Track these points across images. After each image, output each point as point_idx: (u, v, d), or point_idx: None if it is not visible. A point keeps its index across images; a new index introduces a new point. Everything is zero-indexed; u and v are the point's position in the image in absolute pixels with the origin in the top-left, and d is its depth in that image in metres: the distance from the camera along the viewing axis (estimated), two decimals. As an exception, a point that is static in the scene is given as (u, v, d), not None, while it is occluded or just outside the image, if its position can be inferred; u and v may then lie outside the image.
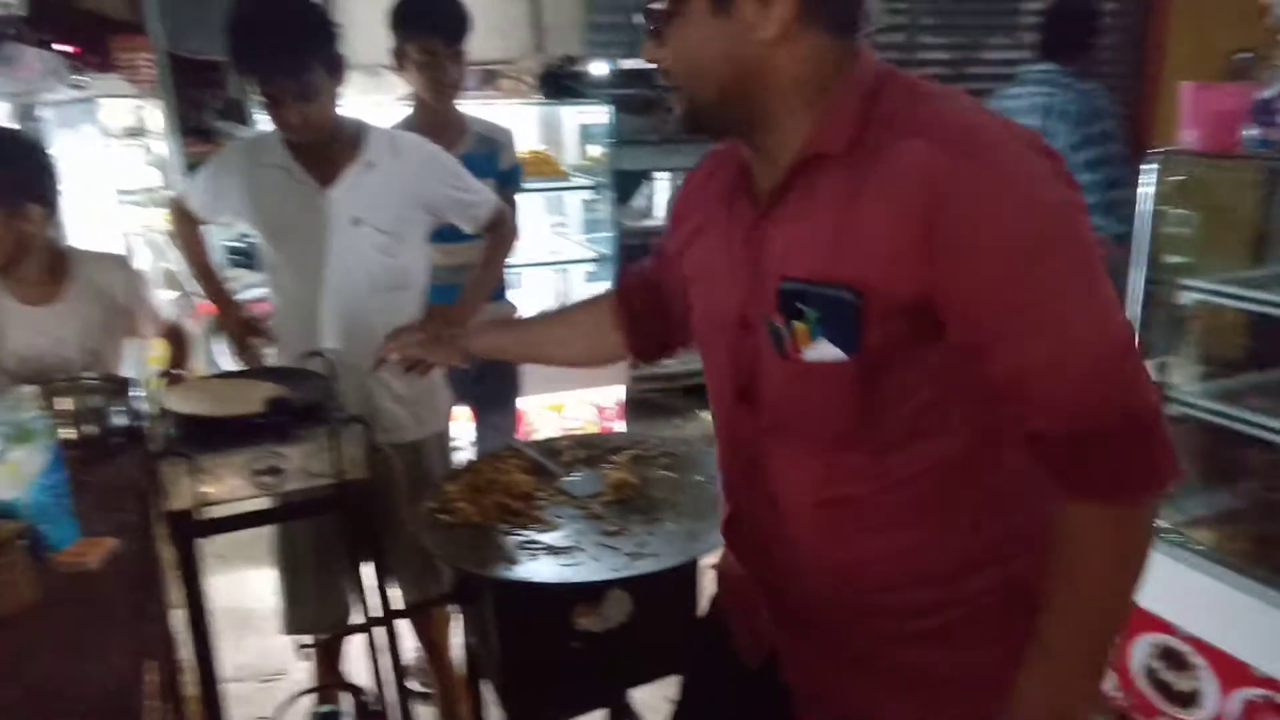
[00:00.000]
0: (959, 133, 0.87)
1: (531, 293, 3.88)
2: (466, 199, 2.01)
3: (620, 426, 3.76)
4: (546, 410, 3.49)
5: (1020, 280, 0.85)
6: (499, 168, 2.36)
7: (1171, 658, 2.15)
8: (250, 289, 4.39)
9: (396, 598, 1.91)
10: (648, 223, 4.25)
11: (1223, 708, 2.04)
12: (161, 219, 4.57)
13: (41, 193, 1.85)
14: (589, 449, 1.77)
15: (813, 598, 1.11)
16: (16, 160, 1.83)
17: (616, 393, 3.74)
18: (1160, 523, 2.14)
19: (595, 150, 4.08)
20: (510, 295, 2.76)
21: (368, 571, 1.64)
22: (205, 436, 1.47)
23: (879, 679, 1.10)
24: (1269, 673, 1.95)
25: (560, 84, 3.79)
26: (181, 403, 1.57)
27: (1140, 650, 2.20)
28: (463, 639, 1.81)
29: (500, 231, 2.10)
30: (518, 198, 2.53)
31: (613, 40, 4.19)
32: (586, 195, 4.14)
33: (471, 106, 2.61)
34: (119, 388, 1.80)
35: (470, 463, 1.85)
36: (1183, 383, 2.22)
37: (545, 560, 1.47)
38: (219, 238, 3.41)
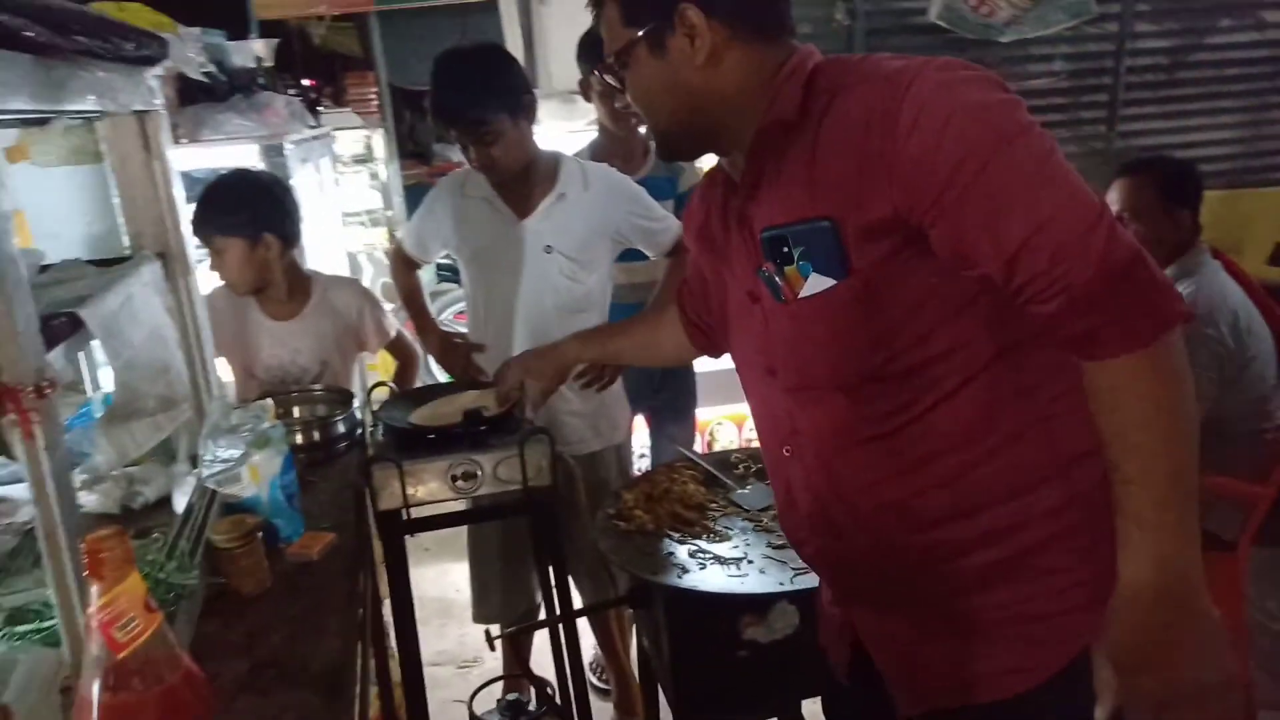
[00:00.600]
0: (890, 72, 0.96)
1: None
2: (651, 226, 2.11)
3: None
4: (726, 421, 3.54)
5: (977, 179, 0.88)
6: (679, 190, 2.44)
7: None
8: (456, 304, 4.75)
9: (578, 599, 2.03)
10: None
11: None
12: (382, 238, 5.02)
13: (278, 225, 2.10)
14: (761, 462, 1.81)
15: (877, 553, 1.11)
16: (254, 198, 2.09)
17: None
18: None
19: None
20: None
21: (551, 572, 1.75)
22: (411, 444, 1.62)
23: (961, 634, 1.08)
24: None
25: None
26: (391, 413, 1.75)
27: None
28: (637, 640, 1.90)
29: (681, 256, 2.16)
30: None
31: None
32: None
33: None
34: (343, 399, 2.03)
35: (647, 472, 1.93)
36: None
37: (714, 570, 1.53)
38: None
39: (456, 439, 1.62)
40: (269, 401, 1.58)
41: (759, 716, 1.68)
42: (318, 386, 2.16)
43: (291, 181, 2.63)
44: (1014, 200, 0.87)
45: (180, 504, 1.48)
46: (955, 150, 0.89)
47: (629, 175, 2.18)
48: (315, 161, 3.55)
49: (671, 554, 1.59)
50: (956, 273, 0.95)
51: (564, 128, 3.24)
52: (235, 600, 1.33)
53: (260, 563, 1.36)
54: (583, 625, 2.04)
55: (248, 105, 2.79)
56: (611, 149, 2.39)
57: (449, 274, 4.79)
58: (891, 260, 0.97)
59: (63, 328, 1.00)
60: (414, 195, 5.33)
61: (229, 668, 1.16)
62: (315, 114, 3.74)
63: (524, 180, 2.01)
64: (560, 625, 1.74)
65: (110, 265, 1.33)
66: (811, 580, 1.41)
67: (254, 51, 3.07)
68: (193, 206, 1.96)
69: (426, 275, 2.71)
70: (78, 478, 1.48)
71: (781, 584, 1.47)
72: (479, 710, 1.85)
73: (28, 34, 0.85)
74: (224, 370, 2.11)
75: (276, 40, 3.39)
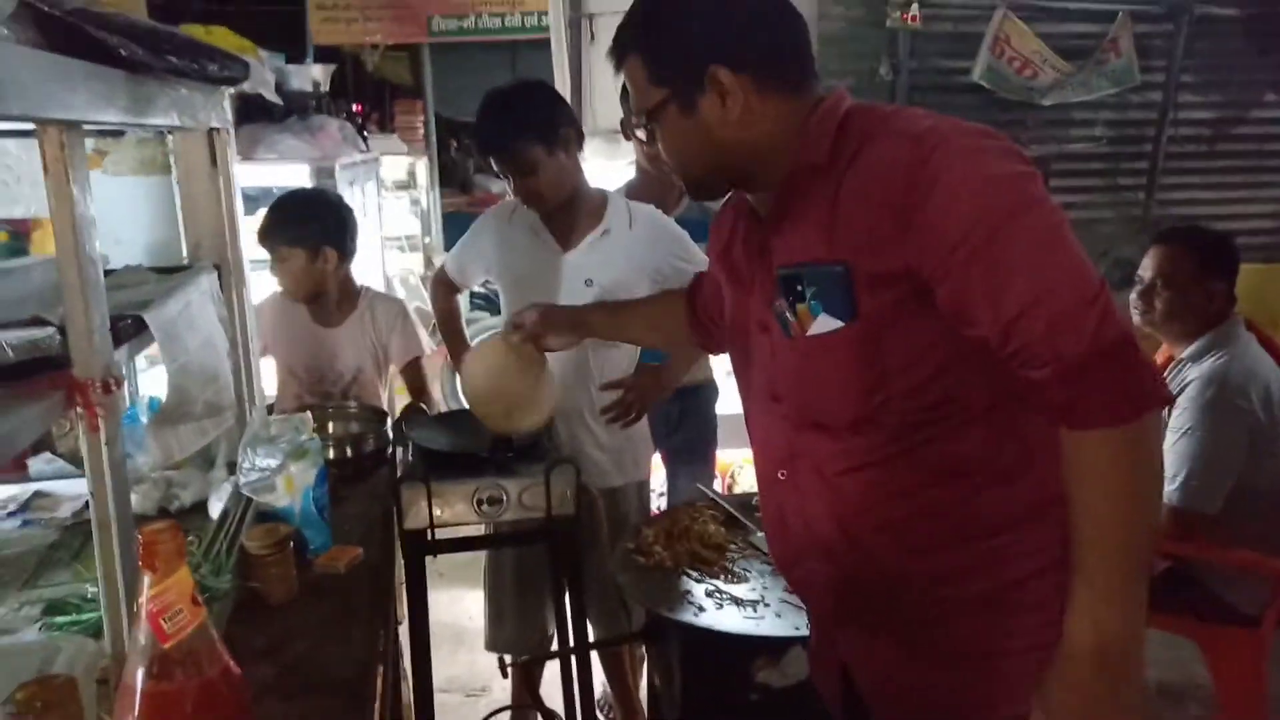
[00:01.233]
0: (920, 132, 0.99)
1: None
2: (690, 269, 2.14)
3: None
4: (748, 464, 3.54)
5: (985, 245, 0.92)
6: (713, 229, 2.47)
7: None
8: (486, 332, 4.80)
9: (591, 633, 2.03)
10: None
11: None
12: (418, 263, 5.11)
13: (338, 240, 2.24)
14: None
15: (869, 574, 1.13)
16: (318, 213, 2.25)
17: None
18: None
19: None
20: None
21: (566, 603, 1.76)
22: (440, 466, 1.65)
23: (949, 662, 1.10)
24: None
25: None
26: (422, 434, 1.78)
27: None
28: (647, 678, 1.89)
29: None
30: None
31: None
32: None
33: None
34: (376, 417, 2.07)
35: (668, 509, 1.94)
36: None
37: (730, 610, 1.54)
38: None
39: (484, 463, 1.65)
40: (308, 415, 1.62)
41: (766, 761, 1.67)
42: (352, 404, 2.22)
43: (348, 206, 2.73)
44: (1017, 269, 0.91)
45: (216, 509, 1.52)
46: (968, 216, 0.93)
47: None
48: (362, 185, 3.64)
49: (689, 592, 1.59)
50: (959, 332, 0.98)
51: (608, 166, 3.31)
52: (262, 607, 1.36)
53: (290, 571, 1.38)
54: (594, 660, 2.04)
55: (302, 127, 2.89)
56: (648, 189, 2.44)
57: (482, 302, 4.86)
58: (898, 309, 1.01)
59: (128, 329, 1.05)
60: (453, 223, 5.43)
61: (255, 671, 1.18)
62: (364, 138, 3.84)
63: (569, 213, 2.06)
64: (574, 656, 1.75)
65: (170, 273, 1.39)
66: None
67: (313, 76, 3.17)
68: (249, 221, 2.05)
69: (460, 302, 2.75)
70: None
71: (798, 628, 1.47)
72: (488, 740, 1.85)
73: (123, 52, 0.91)
74: (268, 367, 2.25)
75: (334, 66, 3.50)
